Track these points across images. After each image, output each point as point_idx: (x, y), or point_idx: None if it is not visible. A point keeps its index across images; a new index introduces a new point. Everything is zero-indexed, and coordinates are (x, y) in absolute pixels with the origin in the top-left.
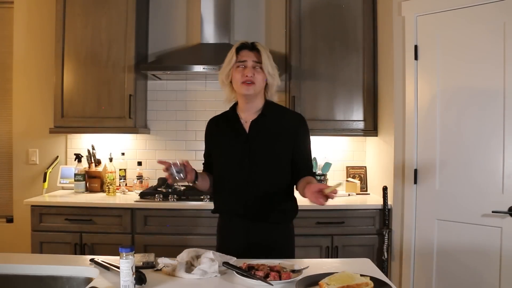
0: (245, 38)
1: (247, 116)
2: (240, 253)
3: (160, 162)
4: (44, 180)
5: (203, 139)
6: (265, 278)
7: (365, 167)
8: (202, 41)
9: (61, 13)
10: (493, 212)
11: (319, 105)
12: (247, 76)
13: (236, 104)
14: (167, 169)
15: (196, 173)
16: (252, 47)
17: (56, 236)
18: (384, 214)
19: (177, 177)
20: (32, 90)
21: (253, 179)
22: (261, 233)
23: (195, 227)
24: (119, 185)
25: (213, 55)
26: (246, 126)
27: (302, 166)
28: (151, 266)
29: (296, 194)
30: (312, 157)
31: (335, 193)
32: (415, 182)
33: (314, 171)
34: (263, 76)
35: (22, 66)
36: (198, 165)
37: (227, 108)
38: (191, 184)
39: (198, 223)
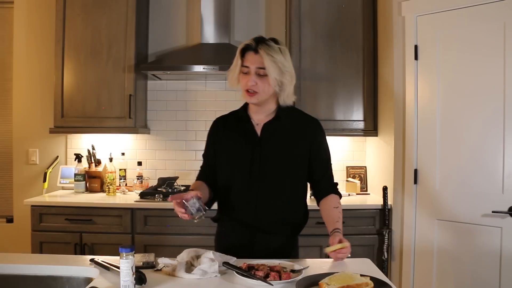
0: (245, 38)
1: (259, 118)
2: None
3: (172, 198)
4: (44, 180)
5: (204, 139)
6: (265, 278)
7: (365, 167)
8: (202, 41)
9: (61, 13)
10: (493, 212)
11: (319, 105)
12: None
13: (247, 104)
14: (184, 208)
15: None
16: (256, 49)
17: (56, 236)
18: (384, 214)
19: (196, 215)
20: (32, 90)
21: (264, 187)
22: (266, 244)
23: (195, 227)
24: (119, 185)
25: (213, 55)
26: (258, 129)
27: (321, 176)
28: (151, 266)
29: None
30: None
31: (342, 254)
32: (415, 182)
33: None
34: (269, 83)
35: (22, 66)
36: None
37: (228, 108)
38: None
39: (198, 223)
